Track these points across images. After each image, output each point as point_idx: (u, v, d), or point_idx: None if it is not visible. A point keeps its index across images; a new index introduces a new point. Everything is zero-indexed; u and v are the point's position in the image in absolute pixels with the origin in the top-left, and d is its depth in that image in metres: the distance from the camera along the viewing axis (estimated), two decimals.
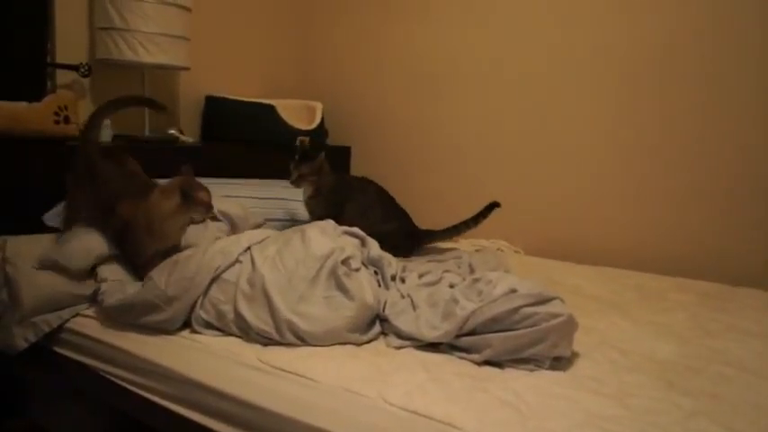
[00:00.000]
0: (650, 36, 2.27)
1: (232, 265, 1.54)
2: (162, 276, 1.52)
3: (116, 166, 1.74)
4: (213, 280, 1.50)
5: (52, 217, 1.91)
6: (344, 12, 3.11)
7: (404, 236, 2.09)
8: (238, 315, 1.42)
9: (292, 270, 1.49)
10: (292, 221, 2.18)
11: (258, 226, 1.97)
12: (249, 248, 1.58)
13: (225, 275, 1.51)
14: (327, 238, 1.61)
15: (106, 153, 1.79)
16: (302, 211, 2.25)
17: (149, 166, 2.18)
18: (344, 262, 1.52)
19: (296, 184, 2.05)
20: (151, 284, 1.50)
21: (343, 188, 2.11)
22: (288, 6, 3.18)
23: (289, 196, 2.29)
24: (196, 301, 1.47)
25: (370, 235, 1.75)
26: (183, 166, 1.69)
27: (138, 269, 1.64)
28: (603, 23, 2.37)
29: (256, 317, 1.41)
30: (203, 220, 1.70)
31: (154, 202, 1.60)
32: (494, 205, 2.16)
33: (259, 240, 1.63)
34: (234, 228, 1.86)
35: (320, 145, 2.86)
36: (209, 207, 1.65)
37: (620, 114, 2.36)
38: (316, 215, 2.04)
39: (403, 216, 2.17)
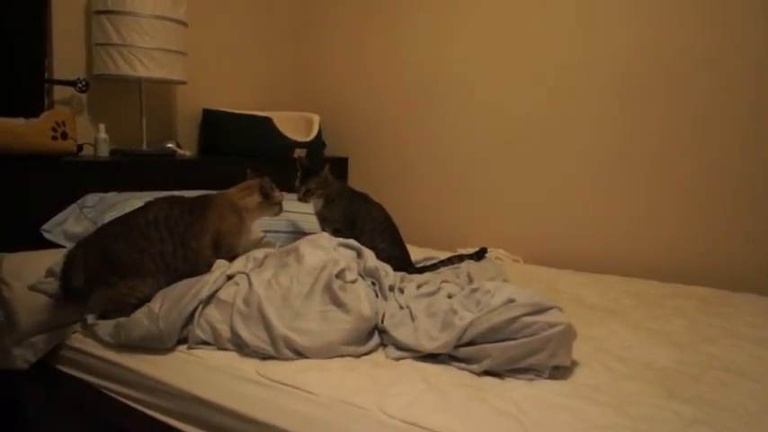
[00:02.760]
0: (651, 42, 2.29)
1: (222, 285, 1.54)
2: (158, 299, 1.53)
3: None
4: (208, 300, 1.50)
5: (50, 227, 1.92)
6: (340, 24, 3.13)
7: (403, 265, 1.99)
8: (235, 333, 1.42)
9: (287, 287, 1.49)
10: (293, 233, 2.18)
11: (259, 240, 1.97)
12: (247, 274, 1.57)
13: (221, 296, 1.51)
14: (321, 251, 1.62)
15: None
16: (302, 222, 2.25)
17: (147, 180, 2.20)
18: (339, 275, 1.52)
19: (304, 199, 2.03)
20: (145, 309, 1.50)
21: (353, 194, 2.10)
22: (284, 19, 3.20)
23: (288, 208, 2.29)
24: (192, 320, 1.47)
25: (379, 249, 1.79)
26: (249, 170, 1.90)
27: (233, 259, 1.73)
28: (605, 29, 2.38)
29: (252, 334, 1.41)
30: (275, 215, 1.90)
31: (237, 199, 1.79)
32: (484, 251, 2.19)
33: (257, 264, 1.65)
34: None
35: (318, 156, 2.87)
36: (281, 205, 1.88)
37: (620, 124, 2.38)
38: (331, 222, 2.02)
39: (403, 246, 2.11)
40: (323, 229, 2.01)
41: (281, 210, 1.89)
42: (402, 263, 1.98)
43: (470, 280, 1.83)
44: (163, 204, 1.65)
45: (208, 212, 1.70)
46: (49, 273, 1.63)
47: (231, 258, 1.72)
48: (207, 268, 1.65)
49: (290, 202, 2.35)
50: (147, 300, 1.54)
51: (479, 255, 2.17)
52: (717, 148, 2.19)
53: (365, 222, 2.03)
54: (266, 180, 1.83)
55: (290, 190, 2.50)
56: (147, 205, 1.65)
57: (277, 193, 1.86)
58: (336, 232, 1.92)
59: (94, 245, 1.58)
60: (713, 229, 2.22)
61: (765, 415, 1.16)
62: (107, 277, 1.55)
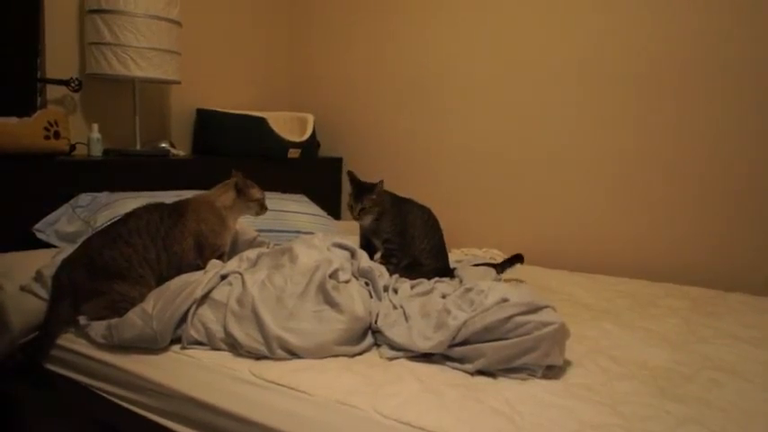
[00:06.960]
0: (644, 41, 2.30)
1: (216, 285, 1.53)
2: (150, 299, 1.52)
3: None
4: (202, 300, 1.50)
5: (43, 227, 1.90)
6: (334, 24, 3.12)
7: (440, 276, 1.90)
8: (228, 334, 1.42)
9: (281, 287, 1.49)
10: (287, 232, 2.18)
11: (253, 239, 1.96)
12: (241, 274, 1.57)
13: (215, 296, 1.51)
14: (314, 250, 1.62)
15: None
16: (296, 221, 2.25)
17: (141, 180, 2.20)
18: (333, 275, 1.52)
19: (359, 218, 1.90)
20: (138, 309, 1.50)
21: (399, 202, 1.99)
22: (278, 20, 3.20)
23: (282, 208, 2.29)
24: (185, 320, 1.46)
25: (416, 260, 1.83)
26: (233, 170, 1.85)
27: (220, 258, 1.76)
28: (598, 27, 2.39)
29: (246, 335, 1.40)
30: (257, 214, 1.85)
31: (214, 198, 1.77)
32: (518, 257, 2.08)
33: (251, 264, 1.64)
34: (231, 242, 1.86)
35: (310, 155, 2.86)
36: (262, 204, 1.83)
37: (614, 124, 2.38)
38: (380, 233, 1.92)
39: (438, 256, 1.99)
40: (371, 242, 1.94)
41: (262, 208, 1.83)
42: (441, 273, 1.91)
43: (461, 280, 1.83)
44: (143, 212, 1.66)
45: (186, 215, 1.70)
46: (38, 275, 1.62)
47: (220, 257, 1.72)
48: (192, 270, 1.64)
49: (286, 202, 2.35)
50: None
51: (514, 259, 2.07)
52: (713, 151, 2.20)
53: (414, 234, 1.93)
54: (240, 176, 1.81)
55: (284, 190, 2.51)
56: (128, 215, 1.66)
57: (254, 191, 1.81)
58: (387, 242, 1.89)
59: (80, 260, 1.58)
60: (707, 231, 2.23)
61: (757, 414, 1.16)
62: (98, 286, 1.55)
